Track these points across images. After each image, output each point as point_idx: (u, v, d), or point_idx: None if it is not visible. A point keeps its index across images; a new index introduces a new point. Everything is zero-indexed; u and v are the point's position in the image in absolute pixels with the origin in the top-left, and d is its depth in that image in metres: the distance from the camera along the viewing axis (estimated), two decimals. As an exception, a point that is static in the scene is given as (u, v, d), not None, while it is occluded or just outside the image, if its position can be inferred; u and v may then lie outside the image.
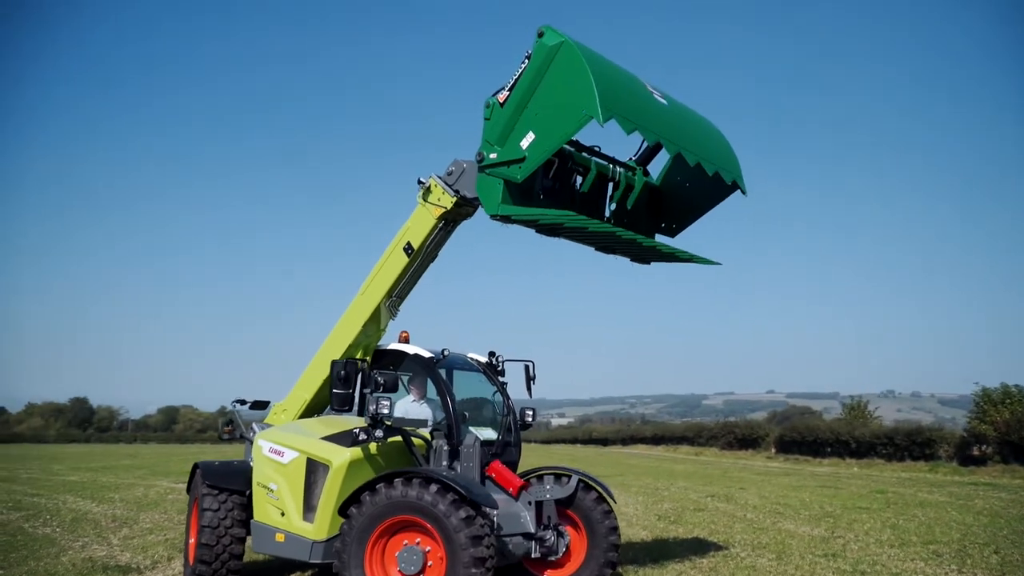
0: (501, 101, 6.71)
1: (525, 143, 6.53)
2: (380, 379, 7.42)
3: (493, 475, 7.93)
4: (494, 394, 8.93)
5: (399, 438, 7.76)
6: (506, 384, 9.03)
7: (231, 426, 9.28)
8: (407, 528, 6.77)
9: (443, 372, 8.86)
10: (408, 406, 8.70)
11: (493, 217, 6.92)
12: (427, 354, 8.52)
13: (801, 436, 40.56)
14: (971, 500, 19.02)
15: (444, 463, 7.71)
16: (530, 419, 8.95)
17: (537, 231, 7.19)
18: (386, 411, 7.22)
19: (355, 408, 8.06)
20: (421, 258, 8.02)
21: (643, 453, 55.37)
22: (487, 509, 6.98)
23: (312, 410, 9.03)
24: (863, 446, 35.80)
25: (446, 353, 8.59)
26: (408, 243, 7.93)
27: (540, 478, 8.36)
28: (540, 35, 6.44)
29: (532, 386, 9.24)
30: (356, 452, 7.41)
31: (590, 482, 8.40)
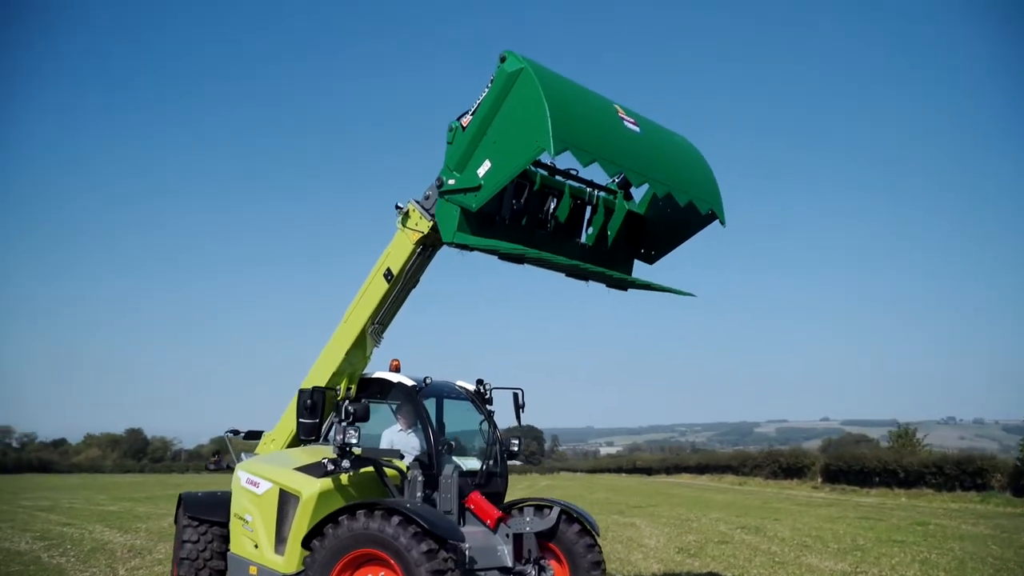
0: (464, 125, 6.62)
1: (482, 171, 6.39)
2: (351, 408, 7.31)
3: (471, 507, 7.74)
4: (481, 423, 8.75)
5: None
6: (493, 412, 8.85)
7: (217, 456, 9.25)
8: (371, 562, 6.60)
9: (433, 400, 8.74)
10: (395, 435, 8.57)
11: (449, 244, 6.81)
12: (410, 382, 8.39)
13: (848, 465, 39.37)
14: (1017, 534, 18.11)
15: (419, 494, 7.53)
16: (515, 448, 8.74)
17: (500, 258, 7.05)
18: (354, 440, 7.09)
19: (322, 438, 7.96)
20: (401, 284, 7.92)
21: (686, 483, 54.30)
22: (455, 542, 6.78)
23: (299, 440, 8.95)
24: (911, 475, 34.54)
25: (428, 381, 8.45)
26: (388, 269, 7.84)
27: (521, 510, 8.13)
28: (502, 60, 6.29)
29: (521, 414, 9.04)
30: (327, 483, 7.29)
31: (573, 513, 8.13)
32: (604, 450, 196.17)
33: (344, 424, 7.23)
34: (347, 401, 7.49)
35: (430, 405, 8.71)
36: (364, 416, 7.40)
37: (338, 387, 8.35)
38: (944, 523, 20.89)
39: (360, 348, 8.24)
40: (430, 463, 7.77)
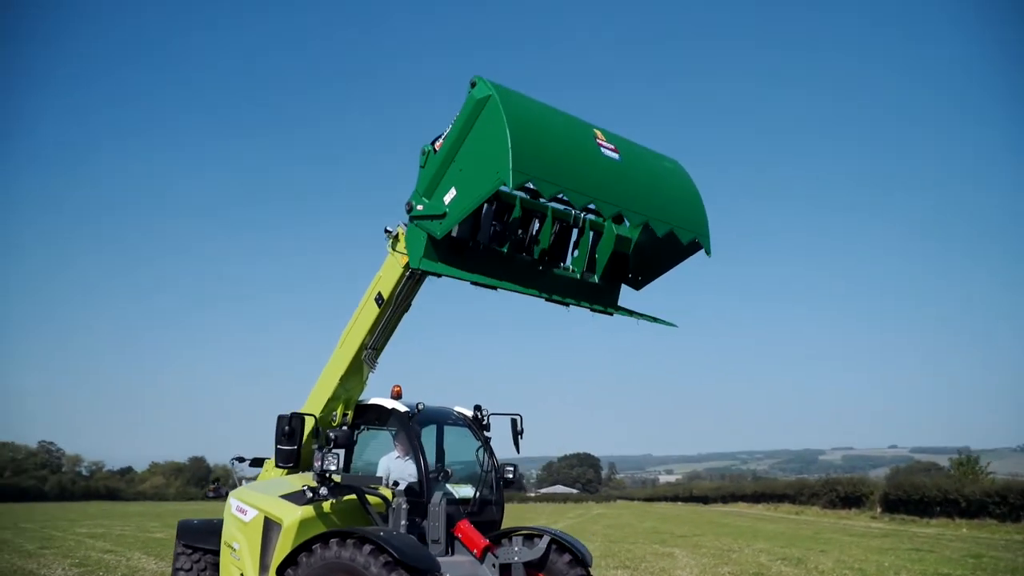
0: (436, 149, 6.59)
1: (448, 198, 6.33)
2: (333, 434, 7.28)
3: (459, 535, 7.61)
4: (478, 450, 8.63)
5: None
6: (490, 439, 8.73)
7: (216, 484, 9.31)
8: None
9: (433, 427, 8.67)
10: (392, 462, 8.50)
11: (414, 271, 6.76)
12: (403, 408, 8.33)
13: (907, 495, 37.93)
14: (1077, 567, 17.14)
15: (403, 522, 7.43)
16: (510, 475, 8.58)
17: (473, 284, 6.97)
18: (333, 467, 7.05)
19: (305, 464, 7.91)
20: (392, 308, 7.90)
21: (740, 511, 52.97)
22: (429, 572, 6.65)
23: (300, 467, 8.95)
24: (974, 505, 33.10)
25: (420, 407, 8.37)
26: (379, 293, 7.83)
27: (511, 539, 7.97)
28: (472, 85, 6.22)
29: (520, 441, 8.90)
30: (308, 510, 7.25)
31: (563, 542, 7.93)
32: (663, 478, 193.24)
33: (324, 451, 7.19)
34: (330, 428, 7.45)
35: (430, 431, 8.63)
36: (346, 443, 7.37)
37: (334, 413, 8.35)
38: (1000, 556, 19.90)
39: (355, 373, 8.22)
40: (421, 490, 7.69)
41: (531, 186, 6.21)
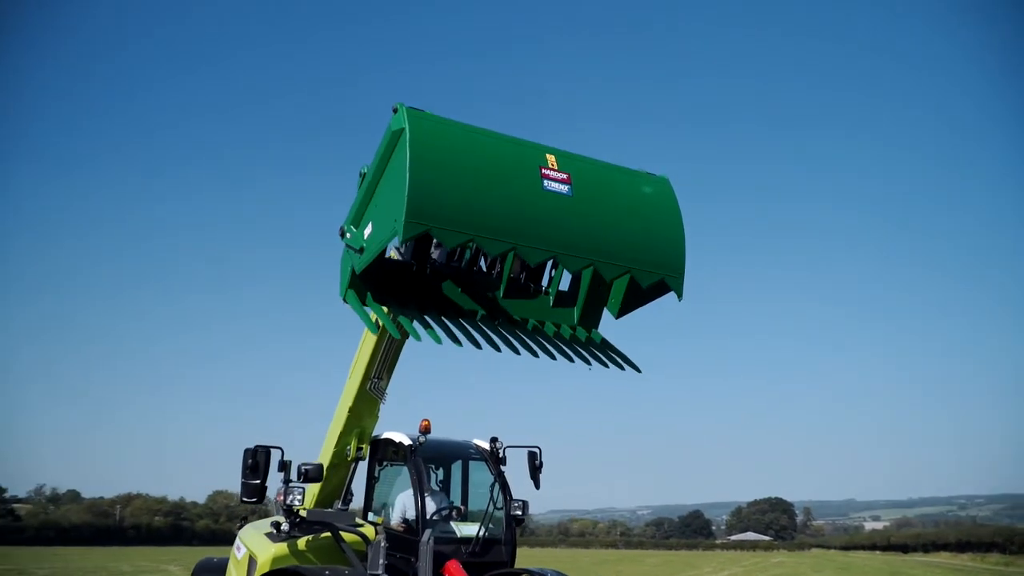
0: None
1: (367, 232, 5.94)
2: (303, 468, 7.10)
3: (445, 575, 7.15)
4: (492, 485, 8.17)
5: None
6: (503, 474, 8.25)
7: (244, 520, 9.36)
8: None
9: (449, 461, 8.40)
10: (408, 498, 8.23)
11: (345, 301, 6.40)
12: (407, 441, 8.05)
13: None
14: None
15: (381, 561, 7.09)
16: (519, 513, 8.02)
17: (399, 331, 6.51)
18: (298, 503, 6.84)
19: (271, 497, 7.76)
20: (388, 337, 7.69)
21: (939, 562, 47.69)
22: None
23: (323, 502, 8.86)
24: None
25: (421, 440, 8.06)
26: (375, 321, 7.68)
27: (504, 580, 7.40)
28: (394, 111, 5.73)
29: (539, 475, 8.37)
30: (281, 548, 7.11)
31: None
32: (869, 525, 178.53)
33: (288, 484, 7.01)
34: (304, 463, 7.28)
35: (450, 466, 8.36)
36: (317, 476, 7.17)
37: (348, 447, 8.22)
38: None
39: (364, 404, 8.08)
40: (417, 527, 7.34)
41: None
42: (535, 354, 6.64)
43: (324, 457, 8.46)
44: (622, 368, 6.94)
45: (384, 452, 8.24)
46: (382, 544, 7.15)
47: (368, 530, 7.42)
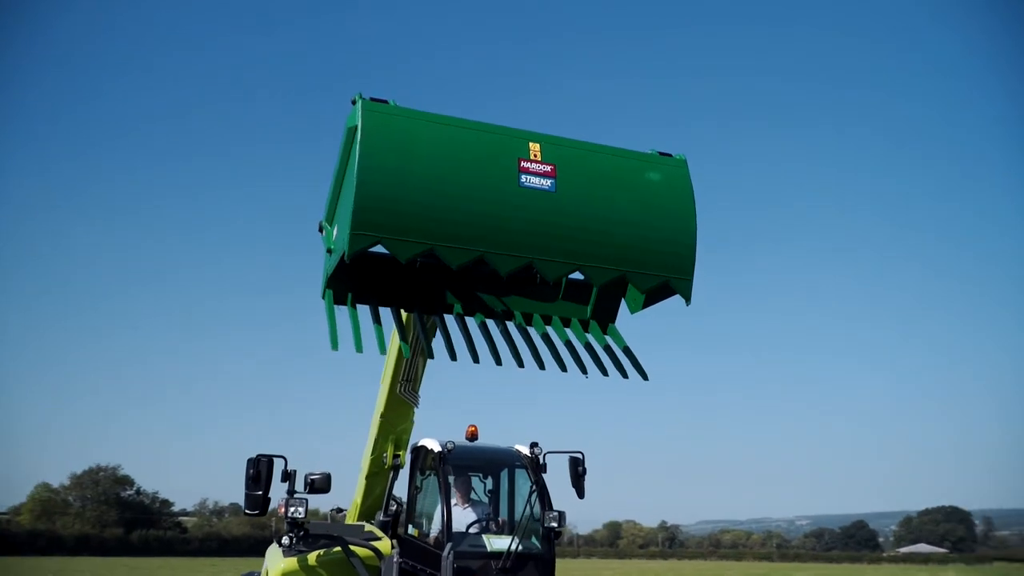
0: None
1: (335, 234, 5.53)
2: (310, 478, 6.75)
3: (465, 595, 6.61)
4: (531, 494, 7.57)
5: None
6: (542, 482, 7.62)
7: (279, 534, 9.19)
8: None
9: (506, 471, 8.00)
10: (439, 509, 7.80)
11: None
12: (436, 447, 7.60)
13: None
14: None
15: (394, 576, 6.64)
16: (555, 525, 7.34)
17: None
18: (300, 516, 6.47)
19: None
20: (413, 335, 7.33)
21: None
22: None
23: (366, 514, 8.57)
24: None
25: (450, 447, 7.55)
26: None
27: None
28: (352, 103, 5.24)
29: (583, 484, 7.70)
30: (291, 563, 6.81)
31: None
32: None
33: (294, 495, 6.67)
34: (309, 472, 6.95)
35: (502, 476, 7.91)
36: (324, 487, 6.81)
37: (384, 454, 7.92)
38: None
39: (397, 409, 7.79)
40: (445, 540, 6.86)
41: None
42: (541, 365, 5.96)
43: (363, 466, 8.20)
44: (625, 376, 6.18)
45: (424, 460, 7.83)
46: (395, 560, 6.72)
47: (383, 544, 7.00)
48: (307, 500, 6.71)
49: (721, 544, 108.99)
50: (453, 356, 5.83)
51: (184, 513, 75.30)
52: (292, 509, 6.62)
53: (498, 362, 5.88)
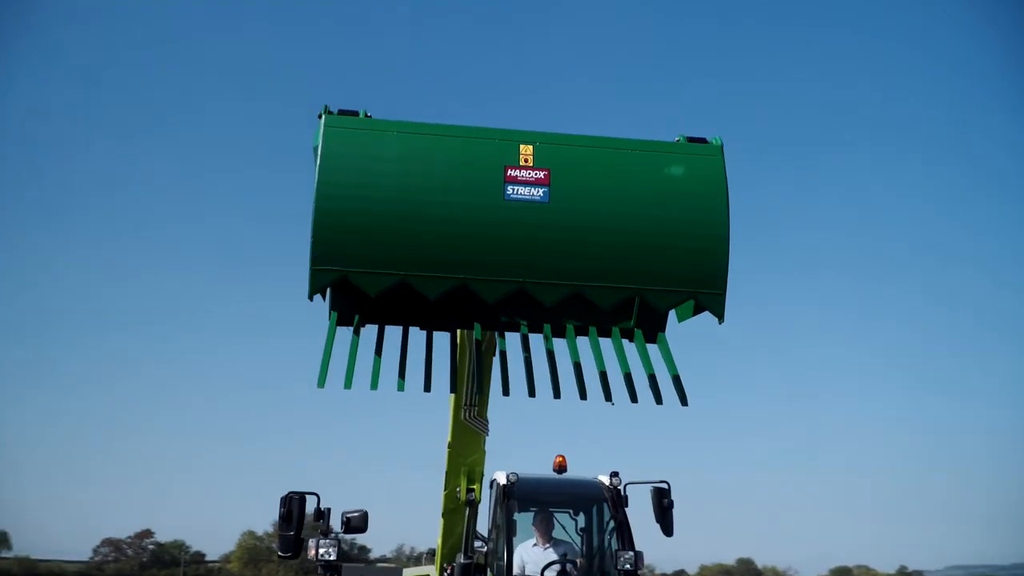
0: None
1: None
2: (346, 516, 6.31)
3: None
4: (608, 530, 6.81)
5: None
6: (622, 516, 6.82)
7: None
8: None
9: (596, 506, 7.38)
10: (527, 552, 7.28)
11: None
12: (503, 480, 7.01)
13: None
14: None
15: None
16: (628, 566, 6.42)
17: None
18: (331, 557, 5.99)
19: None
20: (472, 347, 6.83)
21: None
22: None
23: (448, 556, 8.05)
24: None
25: (512, 478, 6.91)
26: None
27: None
28: (319, 117, 4.87)
29: (670, 519, 6.79)
30: None
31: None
32: None
33: (326, 535, 6.21)
34: (346, 511, 6.50)
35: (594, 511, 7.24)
36: (361, 526, 6.34)
37: (458, 489, 7.41)
38: None
39: (465, 438, 7.29)
40: None
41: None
42: (583, 395, 5.16)
43: (442, 503, 7.70)
44: (659, 402, 5.30)
45: (508, 498, 7.25)
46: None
47: None
48: (338, 540, 6.23)
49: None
50: (506, 390, 5.25)
51: (383, 560, 77.83)
52: (323, 551, 6.16)
53: (532, 393, 5.24)
